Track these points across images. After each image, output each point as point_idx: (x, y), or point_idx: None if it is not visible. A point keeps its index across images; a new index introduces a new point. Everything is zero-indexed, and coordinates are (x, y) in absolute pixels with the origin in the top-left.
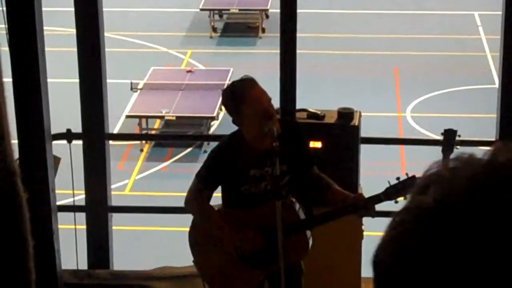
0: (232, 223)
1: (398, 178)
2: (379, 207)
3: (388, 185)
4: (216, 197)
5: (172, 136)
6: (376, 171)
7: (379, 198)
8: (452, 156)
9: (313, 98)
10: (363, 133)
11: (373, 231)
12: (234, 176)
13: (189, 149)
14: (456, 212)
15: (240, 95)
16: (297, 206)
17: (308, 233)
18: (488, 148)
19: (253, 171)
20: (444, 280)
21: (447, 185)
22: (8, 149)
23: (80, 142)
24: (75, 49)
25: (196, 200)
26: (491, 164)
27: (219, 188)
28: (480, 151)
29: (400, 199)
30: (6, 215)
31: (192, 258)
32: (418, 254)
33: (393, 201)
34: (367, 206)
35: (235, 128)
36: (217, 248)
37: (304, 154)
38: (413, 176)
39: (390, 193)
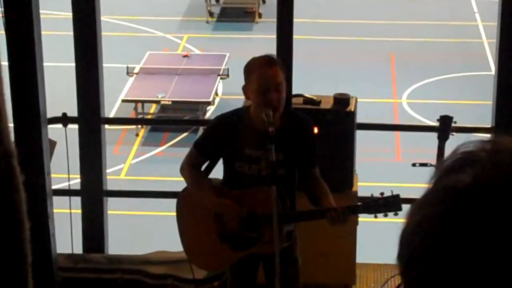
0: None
1: (382, 194)
2: None
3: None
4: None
5: (168, 121)
6: (371, 157)
7: (356, 210)
8: (485, 138)
9: (309, 83)
10: (359, 119)
11: (368, 217)
12: (229, 149)
13: (185, 134)
14: (498, 194)
15: (252, 66)
16: (287, 199)
17: (290, 226)
18: (484, 134)
19: (248, 150)
20: (484, 261)
21: (488, 166)
22: (5, 131)
23: (75, 126)
24: (71, 33)
25: (188, 165)
26: None
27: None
28: (477, 138)
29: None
30: (3, 196)
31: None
32: (458, 234)
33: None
34: (343, 215)
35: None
36: (200, 220)
37: (309, 152)
38: (397, 195)
39: (370, 206)
